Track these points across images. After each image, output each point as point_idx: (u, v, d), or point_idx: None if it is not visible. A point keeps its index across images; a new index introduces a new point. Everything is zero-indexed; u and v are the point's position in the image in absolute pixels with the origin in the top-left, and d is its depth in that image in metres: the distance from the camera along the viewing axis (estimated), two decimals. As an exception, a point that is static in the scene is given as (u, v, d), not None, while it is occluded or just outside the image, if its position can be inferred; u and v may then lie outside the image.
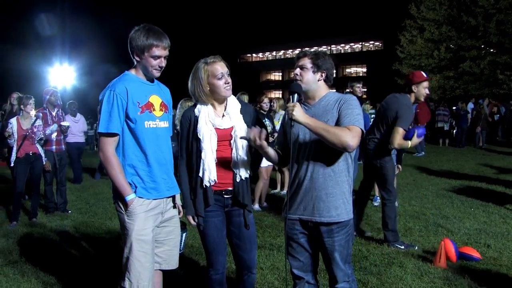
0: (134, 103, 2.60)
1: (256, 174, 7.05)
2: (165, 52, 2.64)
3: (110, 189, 2.68)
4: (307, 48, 3.04)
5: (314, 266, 2.80)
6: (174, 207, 2.88)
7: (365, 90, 49.09)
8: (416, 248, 4.86)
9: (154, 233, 2.70)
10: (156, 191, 2.69)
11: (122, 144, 2.64)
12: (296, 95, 2.60)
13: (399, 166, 5.56)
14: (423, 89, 4.79)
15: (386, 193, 5.01)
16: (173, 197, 2.87)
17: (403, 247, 4.86)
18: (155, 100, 2.72)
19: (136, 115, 2.60)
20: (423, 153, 14.26)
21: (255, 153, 2.96)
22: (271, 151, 2.73)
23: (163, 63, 2.65)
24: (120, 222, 2.69)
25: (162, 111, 2.75)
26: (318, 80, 2.67)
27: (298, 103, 2.51)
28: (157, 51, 2.59)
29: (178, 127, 4.22)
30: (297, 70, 2.69)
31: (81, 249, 5.15)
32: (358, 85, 6.92)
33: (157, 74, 2.69)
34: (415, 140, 4.64)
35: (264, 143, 2.60)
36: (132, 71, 2.70)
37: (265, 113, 6.94)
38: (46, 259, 4.80)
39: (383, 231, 5.07)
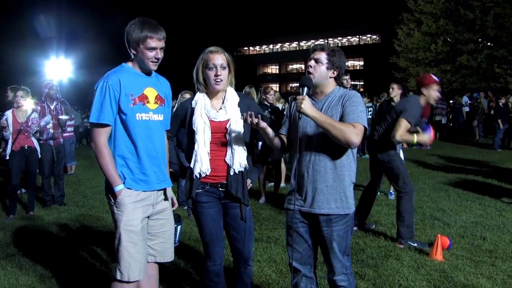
0: (127, 95, 2.58)
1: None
2: (161, 44, 2.62)
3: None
4: (322, 41, 3.02)
5: (313, 260, 2.80)
6: (166, 199, 2.85)
7: (362, 83, 49.26)
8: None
9: (145, 224, 2.69)
10: (146, 184, 2.67)
11: (114, 134, 2.63)
12: (306, 89, 2.60)
13: None
14: (433, 92, 4.65)
15: (401, 186, 4.82)
16: (165, 190, 2.84)
17: (415, 244, 4.69)
18: (150, 92, 2.70)
19: (127, 107, 2.59)
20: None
21: (262, 149, 2.99)
22: (272, 133, 2.78)
23: (159, 54, 2.63)
24: (111, 214, 2.69)
25: (157, 104, 2.73)
26: (330, 77, 2.69)
27: (307, 96, 2.54)
28: (152, 43, 2.57)
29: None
30: (312, 63, 2.69)
31: (78, 242, 5.14)
32: (345, 77, 6.68)
33: (153, 66, 2.67)
34: (424, 136, 4.55)
35: (262, 123, 2.66)
36: (129, 64, 2.70)
37: (269, 105, 6.94)
38: (43, 252, 4.80)
39: (397, 226, 4.86)
